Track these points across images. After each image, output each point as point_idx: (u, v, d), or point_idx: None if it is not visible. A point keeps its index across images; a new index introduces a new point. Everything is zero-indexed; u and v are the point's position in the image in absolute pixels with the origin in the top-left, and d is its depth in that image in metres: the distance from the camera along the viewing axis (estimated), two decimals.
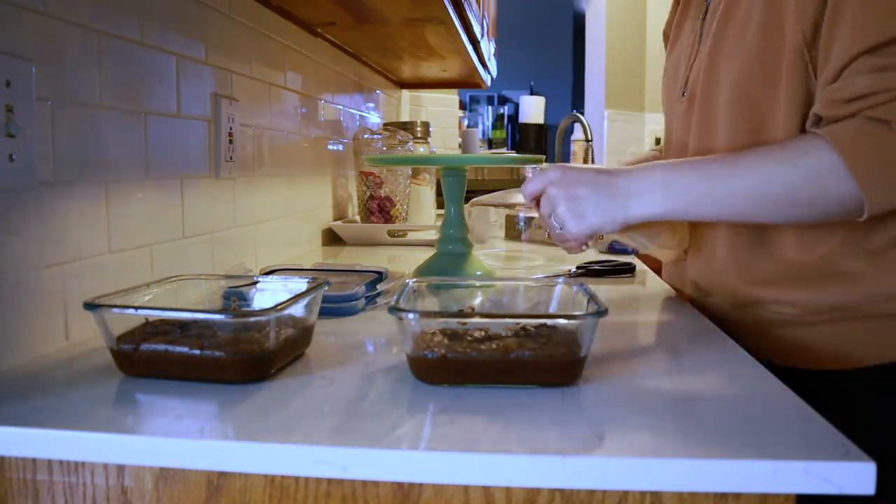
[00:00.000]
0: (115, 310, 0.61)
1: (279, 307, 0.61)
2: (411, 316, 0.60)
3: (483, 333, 0.61)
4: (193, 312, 0.66)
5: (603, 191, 0.76)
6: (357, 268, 0.99)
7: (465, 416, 0.53)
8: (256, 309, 0.72)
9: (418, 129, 1.83)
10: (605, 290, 1.05)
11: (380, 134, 1.65)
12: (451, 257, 1.06)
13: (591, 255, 1.36)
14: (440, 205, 1.55)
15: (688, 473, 0.45)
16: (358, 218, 1.70)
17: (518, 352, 0.58)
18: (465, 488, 0.48)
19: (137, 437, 0.50)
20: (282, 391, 0.59)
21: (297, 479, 0.50)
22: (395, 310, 0.60)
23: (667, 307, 0.95)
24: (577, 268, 1.18)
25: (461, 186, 1.07)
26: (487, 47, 2.05)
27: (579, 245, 0.82)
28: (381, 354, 0.71)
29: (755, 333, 0.83)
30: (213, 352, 0.59)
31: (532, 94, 4.21)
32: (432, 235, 1.60)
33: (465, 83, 2.41)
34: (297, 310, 0.66)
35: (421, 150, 1.81)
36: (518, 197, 1.34)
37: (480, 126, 5.98)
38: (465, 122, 3.65)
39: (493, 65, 2.33)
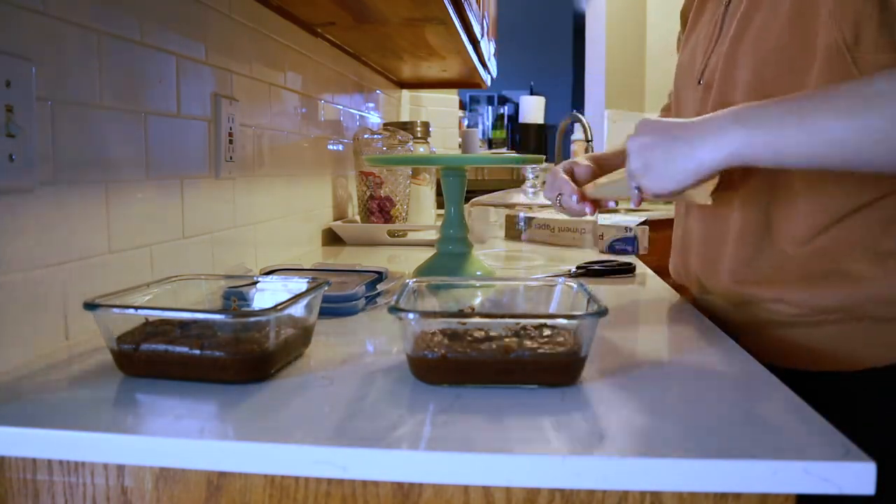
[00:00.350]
0: (115, 310, 0.61)
1: (279, 307, 0.61)
2: (411, 316, 0.60)
3: (483, 333, 0.61)
4: (193, 312, 0.66)
5: (669, 132, 0.67)
6: (357, 268, 0.99)
7: (465, 416, 0.53)
8: (256, 309, 0.72)
9: (418, 129, 1.83)
10: (605, 290, 1.05)
11: (380, 134, 1.65)
12: (451, 257, 1.06)
13: (592, 255, 1.36)
14: (440, 205, 1.55)
15: (688, 473, 0.45)
16: (358, 218, 1.70)
17: (518, 352, 0.59)
18: (465, 488, 0.48)
19: (137, 437, 0.50)
20: (282, 391, 0.59)
21: (297, 479, 0.50)
22: (395, 310, 0.60)
23: (667, 307, 0.95)
24: (577, 268, 1.18)
25: (461, 186, 1.07)
26: (487, 47, 2.05)
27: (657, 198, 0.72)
28: (381, 354, 0.71)
29: (755, 333, 0.83)
30: (213, 352, 0.59)
31: (532, 94, 4.22)
32: (432, 235, 1.60)
33: (465, 83, 2.41)
34: (297, 310, 0.66)
35: (421, 150, 1.81)
36: (518, 197, 1.34)
37: (480, 126, 5.98)
38: (465, 122, 3.65)
39: (493, 65, 2.33)
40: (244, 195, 1.14)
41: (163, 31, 0.88)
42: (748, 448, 0.47)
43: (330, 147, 1.62)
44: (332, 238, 1.62)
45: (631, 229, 1.42)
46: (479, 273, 1.06)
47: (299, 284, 0.72)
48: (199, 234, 0.99)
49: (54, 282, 0.70)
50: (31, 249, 0.67)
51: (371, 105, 2.03)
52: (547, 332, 0.62)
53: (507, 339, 0.60)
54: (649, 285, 1.11)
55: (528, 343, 0.60)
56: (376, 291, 0.92)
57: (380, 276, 0.95)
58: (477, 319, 0.64)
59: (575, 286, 0.70)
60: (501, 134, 5.83)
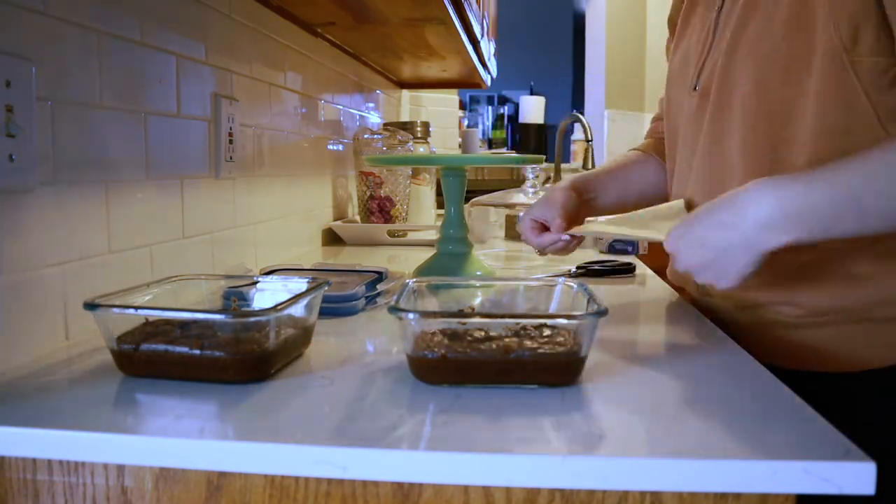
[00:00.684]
0: (115, 310, 0.61)
1: (279, 307, 0.61)
2: (411, 316, 0.60)
3: (483, 333, 0.61)
4: (193, 312, 0.66)
5: (730, 241, 0.69)
6: (357, 268, 0.99)
7: (465, 416, 0.53)
8: (256, 309, 0.72)
9: (418, 129, 1.83)
10: (605, 290, 1.05)
11: (380, 134, 1.65)
12: (451, 257, 1.06)
13: (592, 255, 1.35)
14: (440, 205, 1.55)
15: (688, 473, 0.45)
16: (358, 218, 1.70)
17: (518, 352, 0.59)
18: (465, 488, 0.48)
19: (137, 437, 0.50)
20: (282, 391, 0.59)
21: (297, 479, 0.50)
22: (395, 310, 0.60)
23: (667, 307, 0.95)
24: (577, 268, 1.18)
25: (461, 186, 1.07)
26: (487, 47, 2.05)
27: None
28: (381, 354, 0.71)
29: (756, 334, 0.83)
30: (213, 352, 0.59)
31: (532, 94, 4.21)
32: (432, 235, 1.60)
33: (465, 83, 2.41)
34: (297, 310, 0.66)
35: (421, 150, 1.81)
36: (518, 197, 1.34)
37: (480, 126, 5.98)
38: (465, 122, 3.65)
39: (493, 65, 2.33)
40: (244, 195, 1.14)
41: (163, 31, 0.88)
42: (748, 448, 0.47)
43: (330, 147, 1.62)
44: (332, 238, 1.62)
45: None
46: (479, 273, 1.06)
47: (299, 284, 0.72)
48: (199, 234, 0.99)
49: (54, 282, 0.70)
50: (31, 249, 0.67)
51: (371, 105, 2.03)
52: (547, 332, 0.62)
53: (507, 339, 0.60)
54: (649, 285, 1.11)
55: (528, 343, 0.60)
56: (376, 291, 0.92)
57: (380, 276, 0.95)
58: (477, 319, 0.64)
59: (575, 286, 0.70)
60: (501, 134, 5.83)
